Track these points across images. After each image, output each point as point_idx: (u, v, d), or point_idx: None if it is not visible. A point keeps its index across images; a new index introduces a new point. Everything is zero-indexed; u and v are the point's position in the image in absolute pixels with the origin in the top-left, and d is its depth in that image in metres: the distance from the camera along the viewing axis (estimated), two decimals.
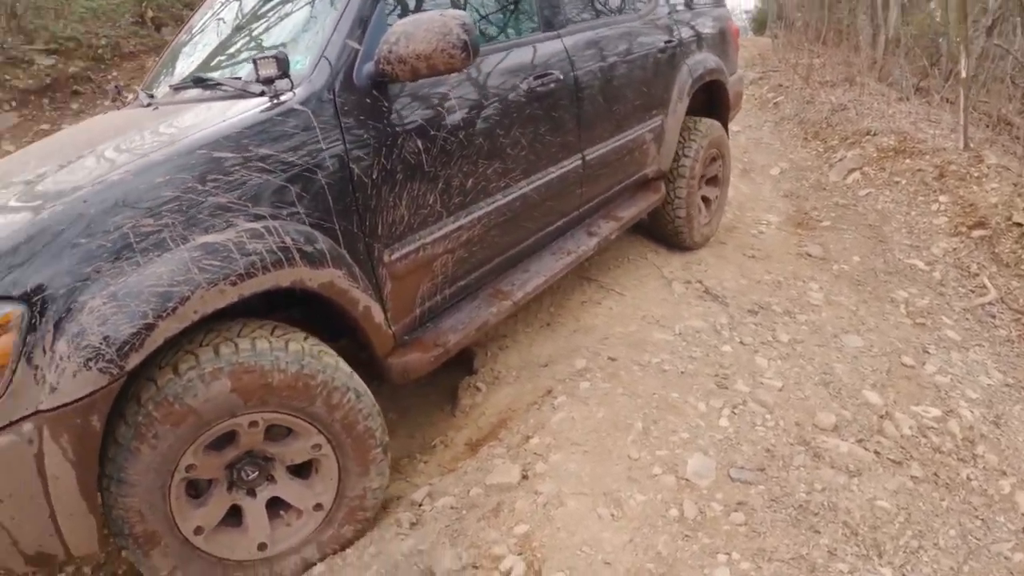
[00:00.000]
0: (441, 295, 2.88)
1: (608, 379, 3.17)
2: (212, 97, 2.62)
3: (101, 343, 1.77)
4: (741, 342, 3.68)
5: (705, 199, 4.99)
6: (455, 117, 2.72)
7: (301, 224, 2.22)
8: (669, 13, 4.44)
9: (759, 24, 23.39)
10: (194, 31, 3.42)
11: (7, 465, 1.75)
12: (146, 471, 1.96)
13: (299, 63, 2.43)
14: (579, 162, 3.49)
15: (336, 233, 2.34)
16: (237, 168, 2.09)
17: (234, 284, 1.98)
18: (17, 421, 1.75)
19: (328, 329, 2.50)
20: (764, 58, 15.04)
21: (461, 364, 3.50)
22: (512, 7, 3.34)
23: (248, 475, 2.24)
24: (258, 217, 2.11)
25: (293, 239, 2.15)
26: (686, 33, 4.50)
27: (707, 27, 4.82)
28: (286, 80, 2.27)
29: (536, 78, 3.13)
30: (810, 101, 10.02)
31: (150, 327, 1.83)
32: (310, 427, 2.22)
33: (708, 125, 4.74)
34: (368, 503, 2.44)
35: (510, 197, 3.05)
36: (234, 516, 2.26)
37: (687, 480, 2.55)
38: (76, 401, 1.77)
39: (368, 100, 2.45)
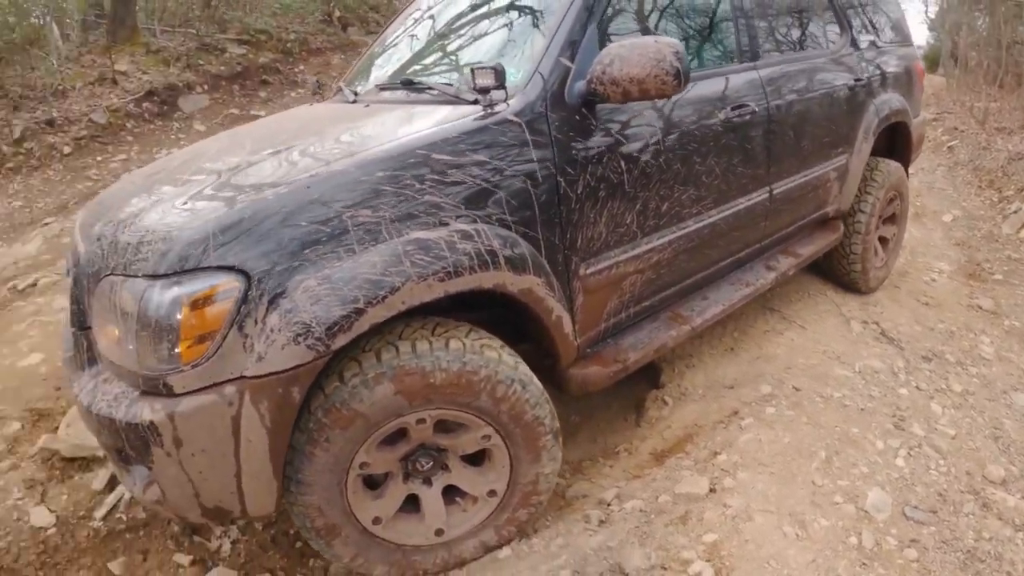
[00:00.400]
0: (626, 313, 2.93)
1: (792, 407, 3.24)
2: (420, 100, 2.74)
3: (311, 321, 1.85)
4: (917, 387, 3.69)
5: (882, 239, 4.91)
6: (656, 141, 2.77)
7: (507, 230, 2.28)
8: (857, 51, 4.38)
9: (930, 62, 22.24)
10: (392, 39, 3.62)
11: (206, 422, 1.85)
12: (322, 472, 2.08)
13: (512, 75, 2.48)
14: (766, 195, 3.50)
15: (539, 242, 2.39)
16: (453, 171, 2.18)
17: (441, 280, 2.06)
18: (221, 383, 1.85)
19: (512, 334, 2.52)
20: (938, 98, 14.38)
21: (643, 377, 3.60)
22: (713, 36, 3.38)
23: (423, 466, 2.32)
24: (468, 219, 2.19)
25: (499, 243, 2.21)
26: (873, 72, 4.43)
27: (892, 66, 4.71)
28: (501, 91, 2.35)
29: (733, 108, 3.16)
30: (986, 147, 9.57)
31: (359, 312, 1.91)
32: (478, 419, 2.26)
33: (889, 167, 4.64)
34: (541, 487, 2.49)
35: (700, 224, 3.09)
36: (411, 504, 2.36)
37: (865, 512, 2.60)
38: (280, 372, 1.86)
39: (577, 117, 2.51)
